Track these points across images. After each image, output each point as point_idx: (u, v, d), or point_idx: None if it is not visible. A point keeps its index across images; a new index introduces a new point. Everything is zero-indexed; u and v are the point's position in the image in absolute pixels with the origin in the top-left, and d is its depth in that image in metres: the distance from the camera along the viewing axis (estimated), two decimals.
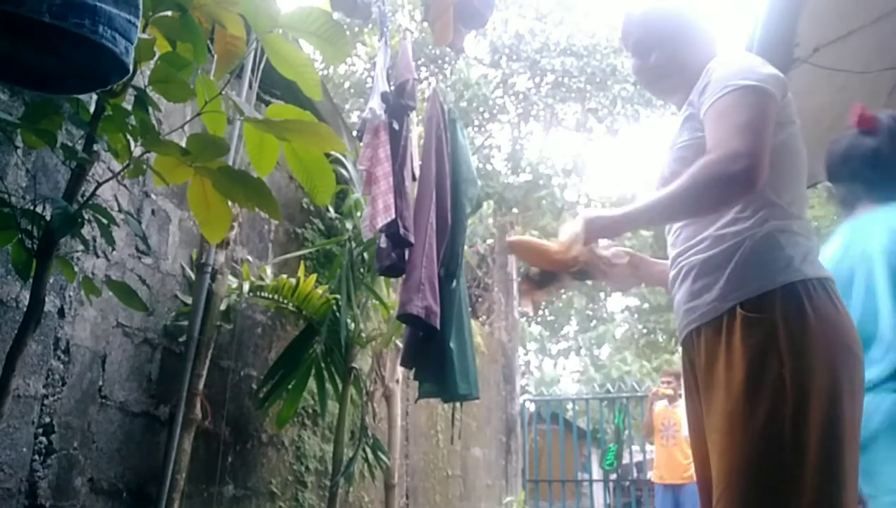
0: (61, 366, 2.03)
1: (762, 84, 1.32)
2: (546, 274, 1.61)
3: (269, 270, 3.05)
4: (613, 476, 8.40)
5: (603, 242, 1.57)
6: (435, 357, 2.91)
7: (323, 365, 3.03)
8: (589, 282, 1.65)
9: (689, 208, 1.37)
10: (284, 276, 2.86)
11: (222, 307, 2.62)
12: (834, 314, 1.27)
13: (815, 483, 1.17)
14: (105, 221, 1.51)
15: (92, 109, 1.47)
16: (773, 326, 1.24)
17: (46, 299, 1.93)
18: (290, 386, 2.92)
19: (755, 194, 1.28)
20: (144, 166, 1.58)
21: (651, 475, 6.06)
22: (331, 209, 3.67)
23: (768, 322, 1.25)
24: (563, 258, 1.53)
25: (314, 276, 2.94)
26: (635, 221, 1.50)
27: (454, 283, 3.02)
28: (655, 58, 1.55)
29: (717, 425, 1.28)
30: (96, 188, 1.68)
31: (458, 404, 3.69)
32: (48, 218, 1.41)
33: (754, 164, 1.24)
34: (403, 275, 2.86)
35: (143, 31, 1.44)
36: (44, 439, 1.95)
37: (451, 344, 2.91)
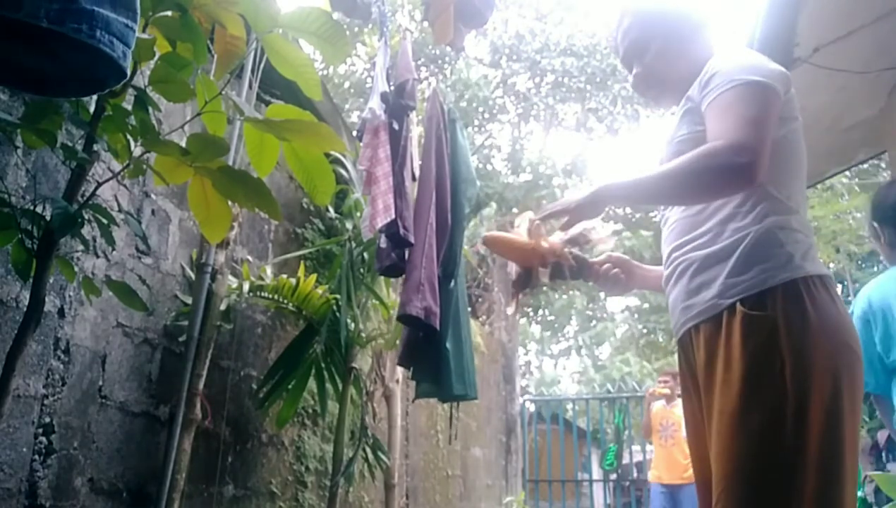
0: (61, 366, 2.03)
1: (768, 80, 1.31)
2: (524, 272, 1.54)
3: (269, 270, 3.05)
4: (613, 476, 8.40)
5: (602, 246, 1.55)
6: (431, 357, 2.91)
7: (323, 365, 3.03)
8: (590, 283, 1.62)
9: (682, 192, 1.34)
10: (284, 276, 2.86)
11: (222, 307, 2.62)
12: (834, 312, 1.27)
13: (815, 484, 1.16)
14: (105, 221, 1.52)
15: (92, 109, 1.47)
16: (774, 324, 1.23)
17: (46, 299, 1.93)
18: (290, 386, 2.92)
19: (754, 188, 1.28)
20: (144, 166, 1.58)
21: (650, 475, 6.05)
22: (331, 209, 3.67)
23: (769, 319, 1.24)
24: (535, 252, 1.49)
25: (314, 276, 2.94)
26: (617, 196, 1.44)
27: (452, 283, 3.02)
28: (637, 71, 1.57)
29: (716, 425, 1.27)
30: (96, 188, 1.68)
31: (455, 404, 3.69)
32: (48, 218, 1.41)
33: (757, 159, 1.23)
34: (403, 275, 2.87)
35: (143, 31, 1.44)
36: (44, 439, 1.95)
37: (448, 345, 2.91)
